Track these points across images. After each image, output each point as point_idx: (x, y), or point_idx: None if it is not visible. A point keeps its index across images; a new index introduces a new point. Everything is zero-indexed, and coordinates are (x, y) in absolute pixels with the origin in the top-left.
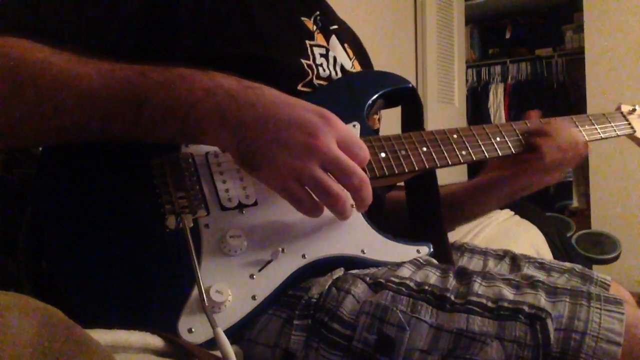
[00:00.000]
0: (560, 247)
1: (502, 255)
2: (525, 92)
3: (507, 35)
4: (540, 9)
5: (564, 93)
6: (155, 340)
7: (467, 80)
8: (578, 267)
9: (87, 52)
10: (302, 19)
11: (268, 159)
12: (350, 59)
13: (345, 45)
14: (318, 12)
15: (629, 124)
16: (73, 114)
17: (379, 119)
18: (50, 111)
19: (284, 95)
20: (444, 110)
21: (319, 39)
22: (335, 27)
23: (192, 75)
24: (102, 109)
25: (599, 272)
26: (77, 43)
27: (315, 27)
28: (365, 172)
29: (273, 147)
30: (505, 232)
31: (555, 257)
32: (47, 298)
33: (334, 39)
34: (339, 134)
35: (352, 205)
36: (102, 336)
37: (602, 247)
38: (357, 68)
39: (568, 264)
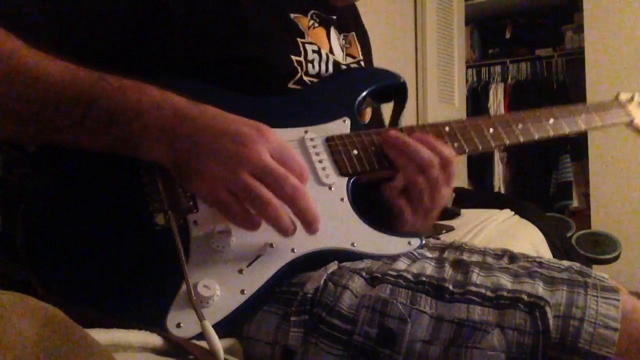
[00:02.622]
0: (560, 247)
1: (501, 254)
2: (525, 92)
3: (507, 35)
4: (540, 9)
5: (564, 93)
6: (154, 339)
7: (467, 80)
8: (576, 265)
9: (58, 53)
10: (295, 15)
11: (199, 169)
12: (343, 50)
13: (347, 34)
14: (314, 10)
15: (628, 111)
16: (25, 103)
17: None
18: (4, 96)
19: (226, 113)
20: (444, 110)
21: (317, 33)
22: (334, 17)
23: (144, 87)
24: (56, 102)
25: (599, 272)
26: (55, 43)
27: (311, 22)
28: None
29: (205, 158)
30: (505, 232)
31: (555, 257)
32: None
33: (332, 33)
34: (273, 147)
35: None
36: (101, 336)
37: (602, 247)
38: (358, 56)
39: (566, 262)
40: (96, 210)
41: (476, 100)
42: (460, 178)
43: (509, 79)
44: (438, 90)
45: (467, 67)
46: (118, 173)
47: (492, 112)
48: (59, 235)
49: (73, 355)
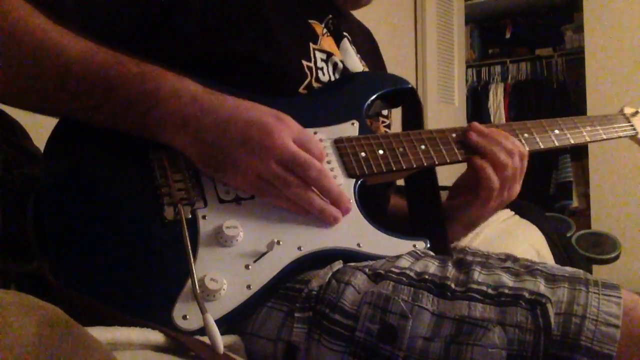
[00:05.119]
0: (560, 247)
1: (504, 259)
2: (525, 92)
3: (507, 35)
4: (540, 9)
5: (564, 93)
6: (155, 336)
7: (467, 80)
8: (581, 272)
9: (80, 31)
10: (311, 21)
11: (230, 160)
12: (362, 66)
13: (358, 51)
14: (331, 16)
15: (632, 125)
16: (48, 80)
17: (388, 125)
18: (28, 71)
19: (243, 101)
20: (444, 110)
21: (327, 42)
22: (347, 34)
23: (163, 74)
24: (75, 84)
25: (599, 272)
26: (79, 23)
27: (325, 30)
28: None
29: (233, 149)
30: (505, 232)
31: (555, 257)
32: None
33: (345, 42)
34: (294, 133)
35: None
36: (102, 334)
37: (602, 247)
38: None
39: (570, 269)
40: (106, 202)
41: (476, 100)
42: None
43: (509, 78)
44: (438, 90)
45: (467, 67)
46: (129, 165)
47: (492, 112)
48: (70, 226)
49: (73, 354)
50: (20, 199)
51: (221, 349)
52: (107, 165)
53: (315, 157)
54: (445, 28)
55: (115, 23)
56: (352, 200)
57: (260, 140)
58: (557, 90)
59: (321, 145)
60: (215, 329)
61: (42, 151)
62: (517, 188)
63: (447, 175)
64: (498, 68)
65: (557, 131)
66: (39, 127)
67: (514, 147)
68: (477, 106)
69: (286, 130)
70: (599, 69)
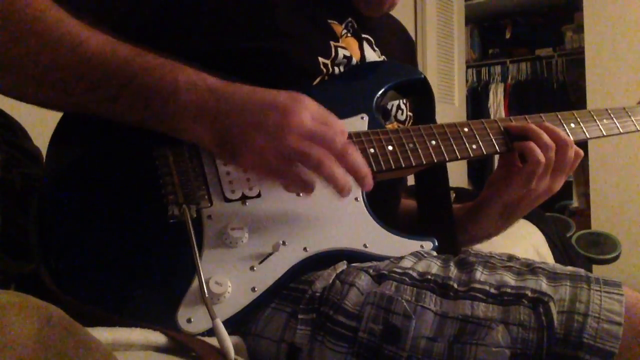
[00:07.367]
0: (560, 247)
1: (507, 260)
2: (525, 92)
3: (507, 35)
4: (540, 9)
5: (564, 93)
6: (157, 337)
7: (467, 80)
8: (582, 271)
9: (99, 23)
10: (330, 21)
11: (247, 143)
12: None
13: (382, 52)
14: (350, 19)
15: None
16: (67, 71)
17: (409, 118)
18: (47, 63)
19: (258, 88)
20: (444, 110)
21: (348, 42)
22: (368, 36)
23: (180, 66)
24: (92, 75)
25: (599, 272)
26: (96, 17)
27: (345, 31)
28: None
29: (250, 132)
30: (506, 232)
31: (555, 257)
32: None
33: (365, 45)
34: (312, 111)
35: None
36: (103, 334)
37: (602, 247)
38: None
39: (571, 268)
40: (110, 204)
41: (476, 101)
42: (460, 178)
43: (509, 79)
44: (438, 90)
45: (467, 67)
46: (133, 165)
47: (492, 112)
48: (72, 230)
49: (73, 354)
50: (20, 199)
51: (232, 356)
52: (109, 164)
53: (337, 132)
54: (445, 28)
55: (132, 15)
56: (360, 199)
57: (275, 120)
58: (557, 90)
59: (341, 122)
60: (226, 335)
61: (43, 151)
62: (560, 180)
63: (453, 178)
64: (498, 68)
65: (573, 125)
66: (39, 127)
67: (567, 138)
68: (477, 106)
69: (303, 108)
70: (599, 69)
